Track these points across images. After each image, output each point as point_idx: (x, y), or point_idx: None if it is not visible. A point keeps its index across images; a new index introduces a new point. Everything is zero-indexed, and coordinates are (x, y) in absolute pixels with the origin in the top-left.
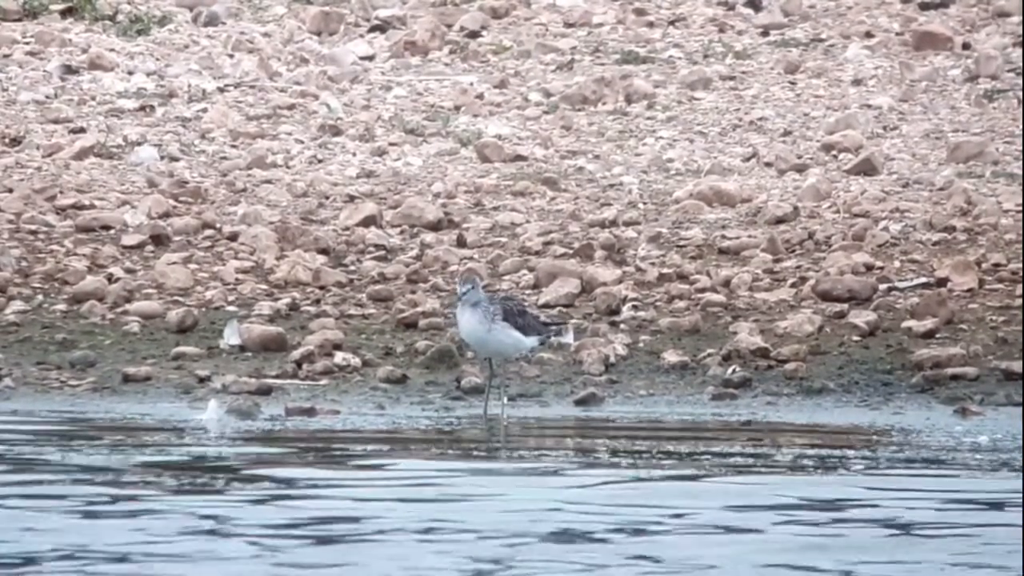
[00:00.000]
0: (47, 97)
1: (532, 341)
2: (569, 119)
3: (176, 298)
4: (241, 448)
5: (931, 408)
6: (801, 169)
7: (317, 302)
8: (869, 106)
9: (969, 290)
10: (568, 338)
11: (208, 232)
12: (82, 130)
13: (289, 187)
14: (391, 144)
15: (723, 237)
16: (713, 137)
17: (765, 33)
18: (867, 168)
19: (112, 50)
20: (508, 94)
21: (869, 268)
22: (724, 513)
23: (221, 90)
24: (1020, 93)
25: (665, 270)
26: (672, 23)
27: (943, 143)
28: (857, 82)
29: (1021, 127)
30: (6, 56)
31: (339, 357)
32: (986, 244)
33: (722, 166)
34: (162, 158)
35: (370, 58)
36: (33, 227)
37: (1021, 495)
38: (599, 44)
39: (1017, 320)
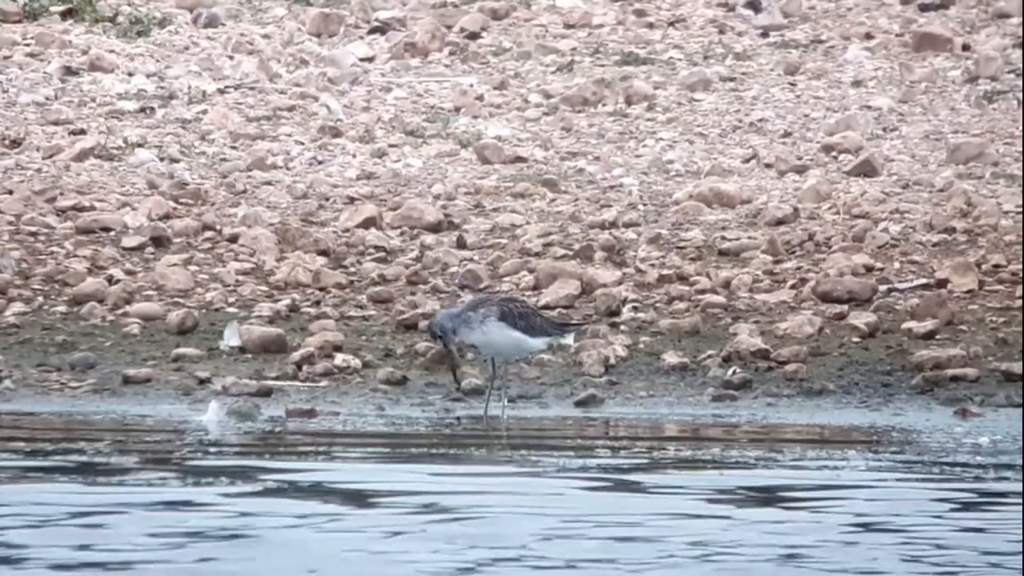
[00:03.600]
0: (47, 99)
1: (539, 343)
2: (569, 120)
3: (176, 300)
4: None
5: (931, 409)
6: (801, 170)
7: (317, 303)
8: (869, 107)
9: (969, 291)
10: (568, 339)
11: (208, 234)
12: (82, 132)
13: (289, 189)
14: (391, 146)
15: (723, 238)
16: (713, 138)
17: (765, 34)
18: (867, 169)
19: (112, 52)
20: (508, 95)
21: (869, 269)
22: None
23: (221, 92)
24: (1020, 94)
25: (665, 271)
26: (672, 24)
27: (943, 144)
28: (857, 83)
29: (1021, 128)
30: (6, 58)
31: (339, 359)
32: (986, 245)
33: (722, 167)
34: (162, 160)
35: (370, 60)
36: (33, 229)
37: (1021, 495)
38: (599, 45)
39: (1017, 321)
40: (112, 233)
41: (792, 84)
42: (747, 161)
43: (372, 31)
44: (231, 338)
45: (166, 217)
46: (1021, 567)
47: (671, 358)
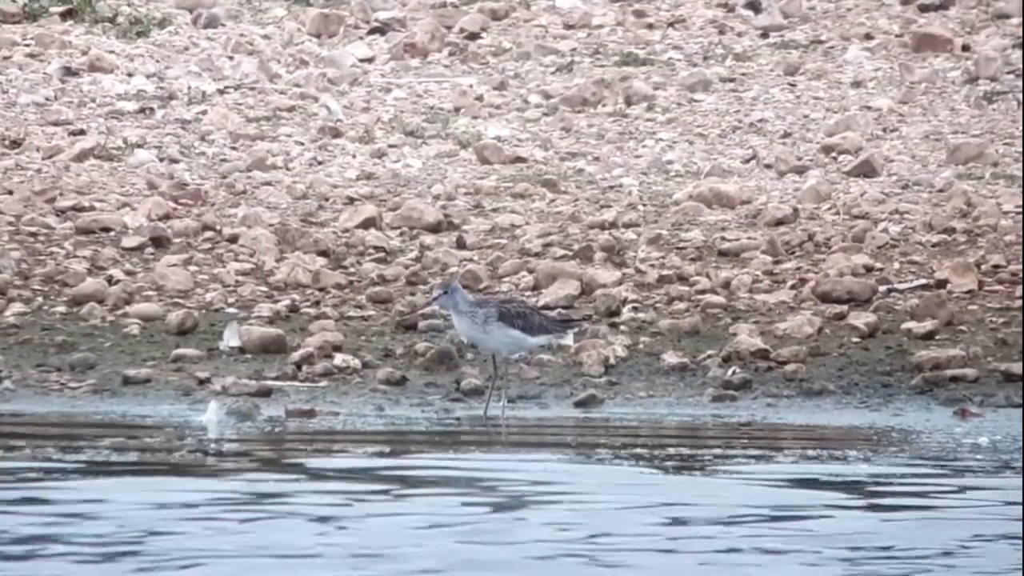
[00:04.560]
0: (47, 99)
1: (540, 339)
2: (569, 121)
3: (176, 300)
4: None
5: (931, 409)
6: (801, 171)
7: (317, 304)
8: (869, 108)
9: (969, 292)
10: (568, 339)
11: (208, 234)
12: (82, 132)
13: (289, 189)
14: (391, 146)
15: (723, 239)
16: (713, 139)
17: (765, 35)
18: (867, 170)
19: (112, 52)
20: (508, 96)
21: (869, 270)
22: None
23: (221, 92)
24: (1020, 95)
25: (665, 272)
26: (672, 25)
27: (943, 145)
28: (857, 84)
29: (1021, 129)
30: (6, 58)
31: (339, 359)
32: (986, 246)
33: (722, 168)
34: (162, 160)
35: (370, 60)
36: (33, 229)
37: (1021, 495)
38: (599, 46)
39: (1017, 322)
40: (112, 233)
41: (792, 84)
42: (747, 161)
43: (372, 31)
44: (231, 338)
45: (166, 217)
46: (1021, 567)
47: (671, 358)
